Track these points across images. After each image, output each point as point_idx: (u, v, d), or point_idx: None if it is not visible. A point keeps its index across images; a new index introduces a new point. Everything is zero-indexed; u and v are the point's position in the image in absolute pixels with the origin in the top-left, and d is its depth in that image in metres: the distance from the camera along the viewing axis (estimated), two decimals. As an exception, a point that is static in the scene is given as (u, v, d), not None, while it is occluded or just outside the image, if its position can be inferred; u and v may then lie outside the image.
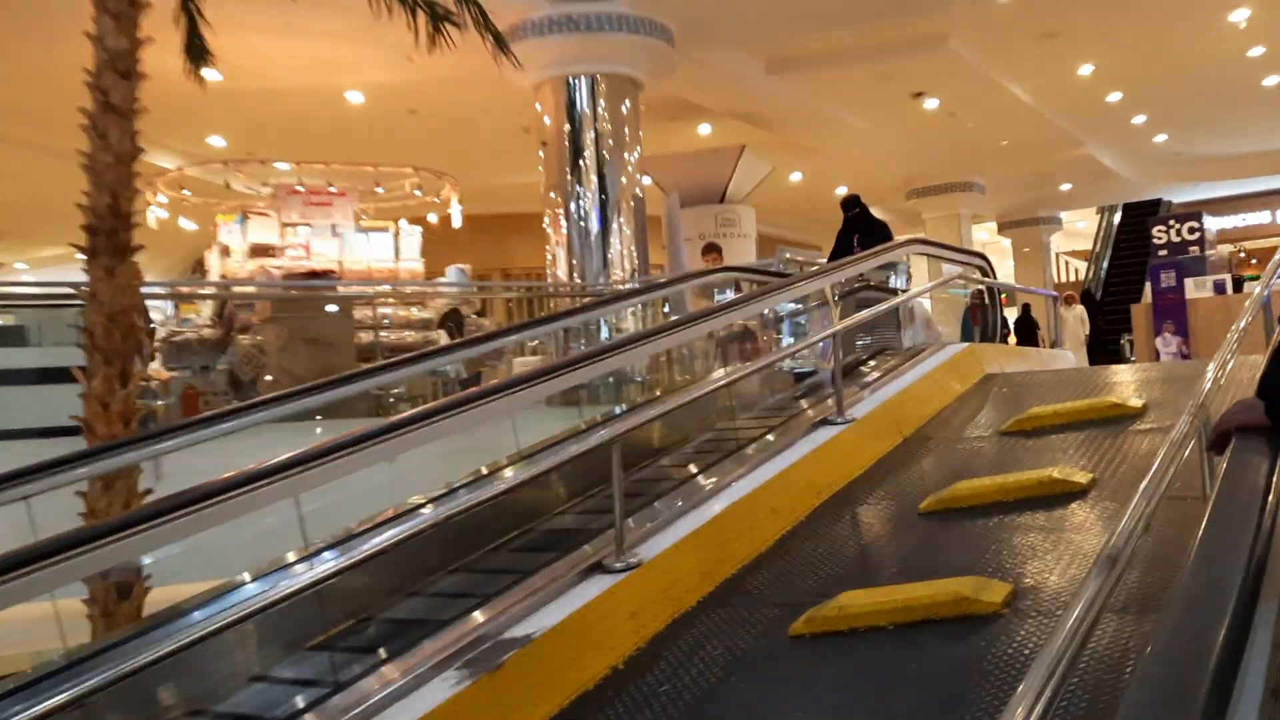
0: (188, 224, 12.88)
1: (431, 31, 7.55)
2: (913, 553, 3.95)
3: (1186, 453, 2.67)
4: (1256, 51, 14.00)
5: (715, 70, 12.70)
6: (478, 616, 3.36)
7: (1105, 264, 24.11)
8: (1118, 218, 24.69)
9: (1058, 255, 25.05)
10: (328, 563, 3.22)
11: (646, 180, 15.37)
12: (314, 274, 9.52)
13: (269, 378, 8.57)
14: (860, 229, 9.23)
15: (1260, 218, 23.70)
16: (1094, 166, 19.00)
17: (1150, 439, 4.58)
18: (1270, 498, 1.74)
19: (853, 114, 15.12)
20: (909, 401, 5.63)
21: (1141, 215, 23.98)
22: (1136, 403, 5.11)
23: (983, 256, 8.03)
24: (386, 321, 9.29)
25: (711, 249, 14.63)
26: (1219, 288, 14.47)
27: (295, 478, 3.22)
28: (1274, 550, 1.66)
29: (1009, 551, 3.68)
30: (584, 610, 3.35)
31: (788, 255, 8.70)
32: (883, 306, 6.56)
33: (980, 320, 8.03)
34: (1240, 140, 19.23)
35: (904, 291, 7.46)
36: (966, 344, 6.57)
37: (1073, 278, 25.74)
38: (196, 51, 7.17)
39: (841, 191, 20.56)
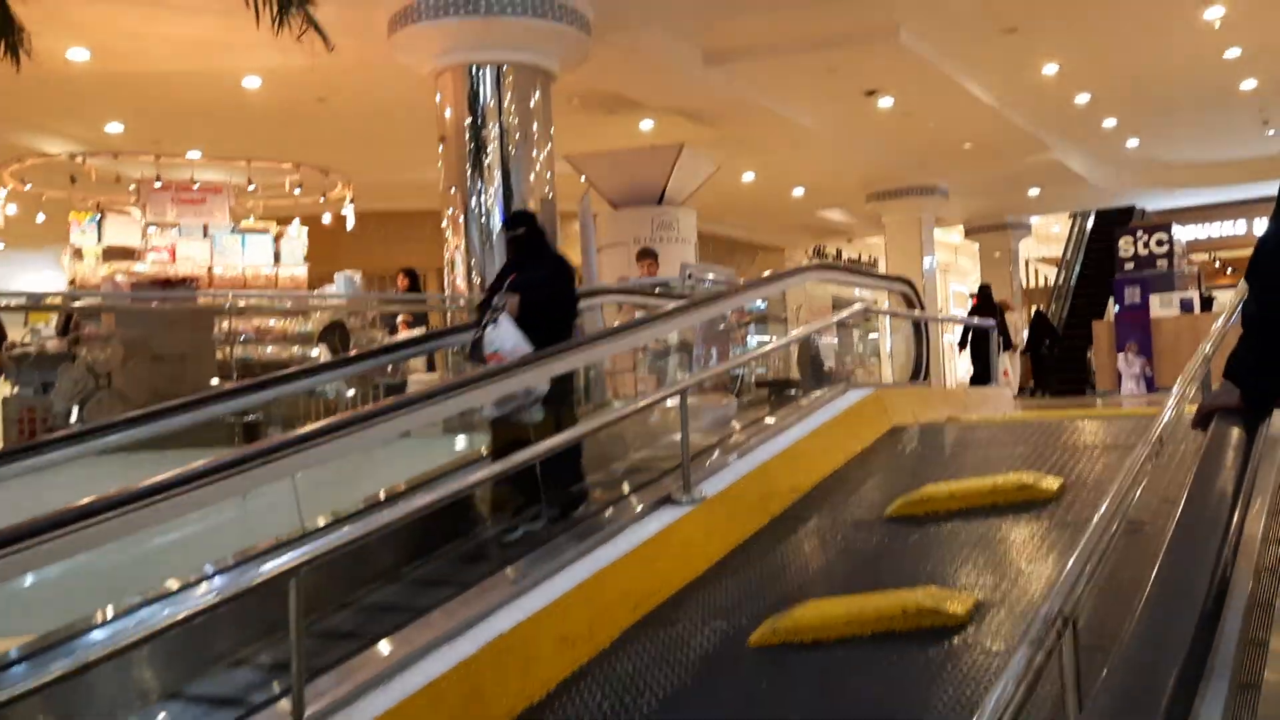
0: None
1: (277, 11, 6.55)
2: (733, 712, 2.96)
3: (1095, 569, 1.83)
4: (1233, 53, 13.07)
5: (648, 61, 11.67)
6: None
7: (1076, 271, 23.21)
8: (1090, 223, 23.79)
9: (1027, 261, 24.15)
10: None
11: (583, 179, 14.35)
12: (167, 282, 8.47)
13: (100, 400, 7.52)
14: (525, 257, 5.31)
15: (1237, 228, 22.83)
16: (1062, 171, 18.06)
17: (1057, 545, 3.60)
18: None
19: (802, 112, 14.11)
20: (787, 468, 4.64)
21: (1115, 222, 23.11)
22: (1052, 484, 4.12)
23: (907, 282, 7.05)
24: (243, 338, 8.23)
25: (646, 255, 13.62)
26: (1186, 306, 13.57)
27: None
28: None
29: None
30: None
31: (691, 273, 7.64)
32: (747, 356, 5.56)
33: (916, 354, 7.04)
34: (1216, 147, 18.33)
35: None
36: (872, 389, 5.58)
37: (1043, 284, 24.86)
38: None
39: (799, 193, 19.67)
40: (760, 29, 11.42)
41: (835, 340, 6.55)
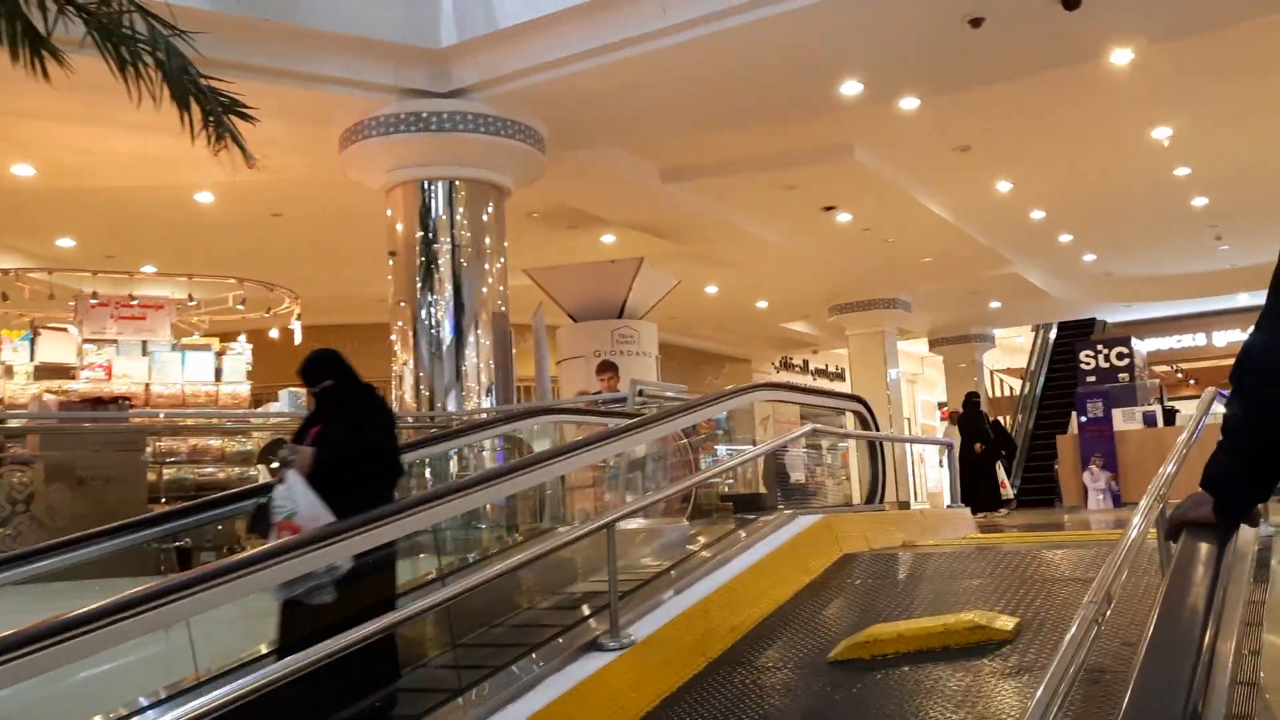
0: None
1: (214, 126, 6.42)
2: None
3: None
4: (1183, 171, 13.28)
5: (604, 177, 11.69)
6: None
7: (1040, 382, 23.25)
8: (1053, 334, 23.96)
9: (992, 373, 24.19)
10: None
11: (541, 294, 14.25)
12: (98, 401, 8.15)
13: (17, 527, 7.12)
14: (326, 412, 4.61)
15: (1197, 339, 23.05)
16: (1022, 285, 18.20)
17: (1012, 695, 3.31)
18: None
19: (762, 226, 14.17)
20: (728, 604, 4.33)
21: (1077, 334, 23.28)
22: (1006, 624, 3.85)
23: (860, 401, 6.85)
24: (178, 458, 7.89)
25: (607, 368, 13.45)
26: (1149, 419, 13.48)
27: None
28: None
29: None
30: None
31: (642, 390, 7.41)
32: (683, 486, 5.29)
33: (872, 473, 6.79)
34: (1172, 261, 18.58)
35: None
36: (821, 515, 5.33)
37: (1008, 394, 24.85)
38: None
39: (763, 306, 19.70)
40: (716, 147, 11.50)
41: (802, 455, 6.31)
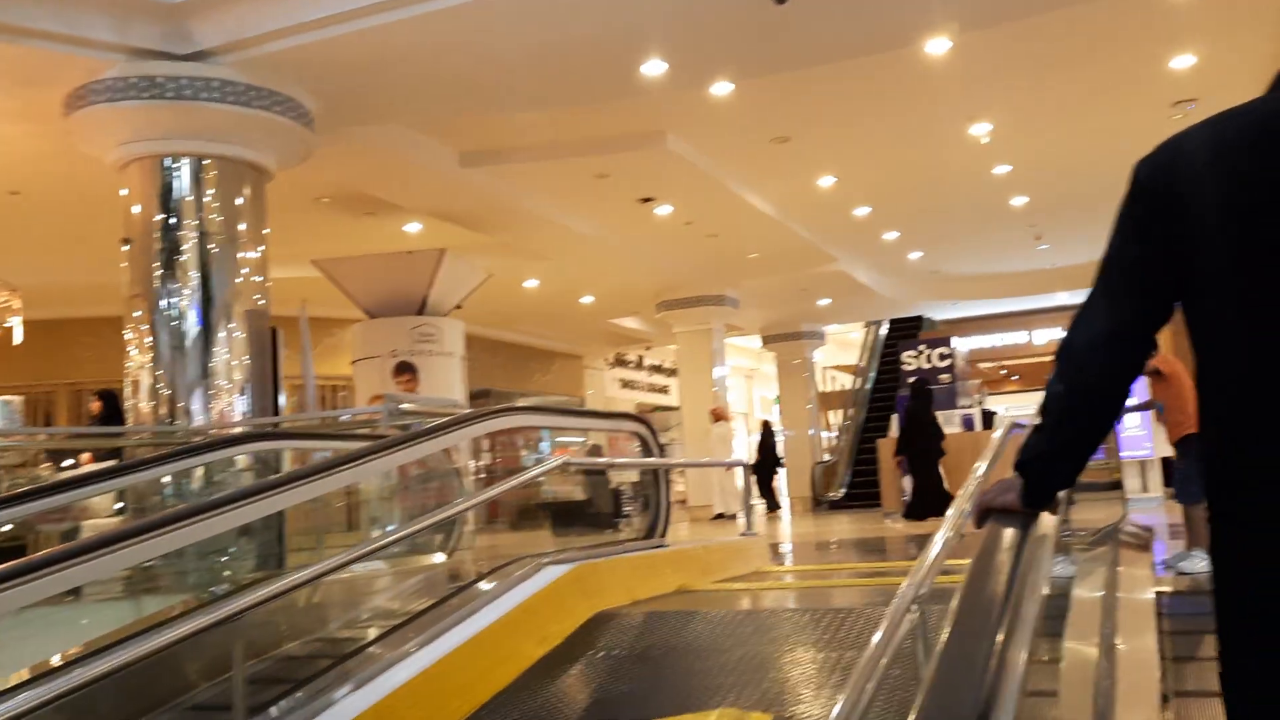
0: None
1: None
2: None
3: None
4: (1002, 169, 13.06)
5: (395, 159, 10.56)
6: None
7: (871, 378, 23.22)
8: (884, 330, 23.99)
9: (824, 370, 24.06)
10: None
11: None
12: None
13: None
14: None
15: (1019, 337, 23.43)
16: (849, 282, 17.91)
17: None
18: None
19: (576, 218, 13.29)
20: (422, 700, 3.39)
21: (906, 330, 23.34)
22: (758, 726, 3.05)
23: (641, 421, 6.02)
24: None
25: (405, 369, 12.34)
26: (968, 423, 13.25)
27: None
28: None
29: None
30: None
31: (401, 406, 6.35)
32: (418, 525, 4.33)
33: (652, 506, 5.94)
34: (995, 260, 18.63)
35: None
36: (572, 565, 4.46)
37: (839, 388, 24.83)
38: None
39: (588, 301, 18.85)
40: (517, 130, 10.54)
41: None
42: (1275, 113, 1.58)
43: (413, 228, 13.36)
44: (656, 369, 27.25)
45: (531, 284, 16.77)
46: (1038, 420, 1.83)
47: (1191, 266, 1.60)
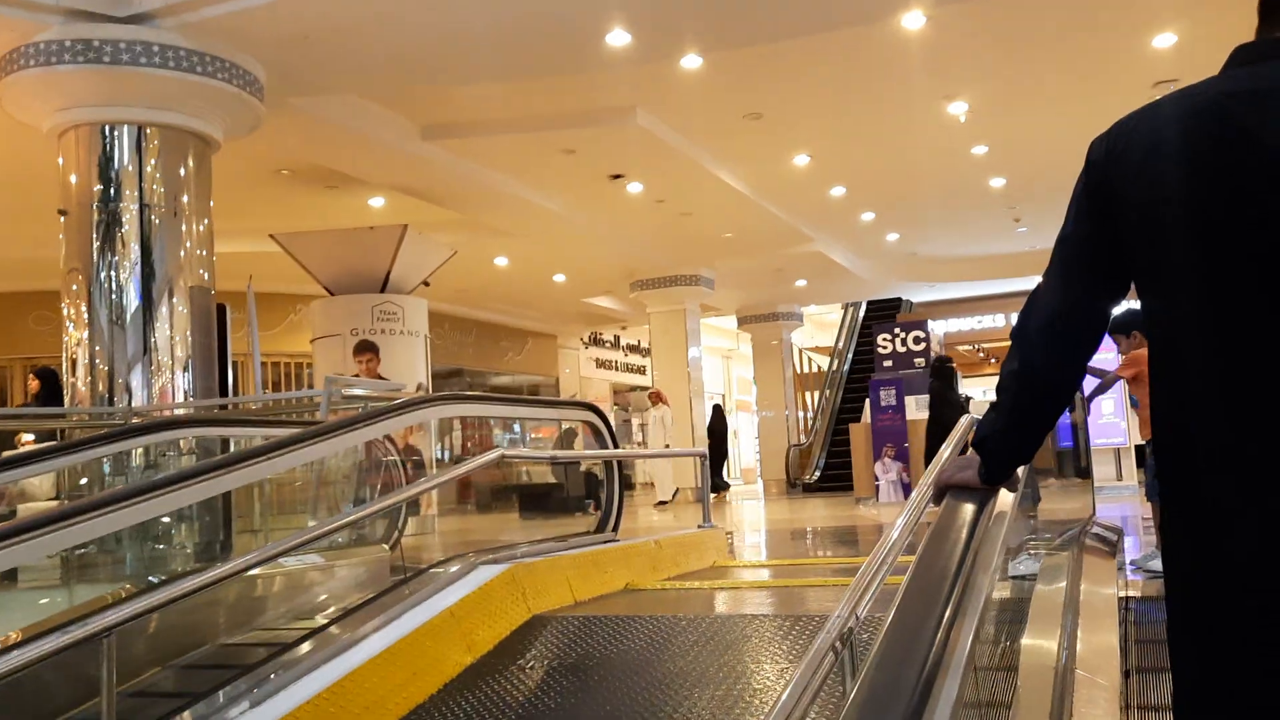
0: None
1: None
2: None
3: None
4: (980, 150, 12.80)
5: (354, 132, 10.19)
6: None
7: (849, 360, 23.00)
8: (862, 312, 23.76)
9: (801, 351, 23.83)
10: None
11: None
12: None
13: None
14: None
15: (996, 320, 23.22)
16: (826, 263, 17.64)
17: None
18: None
19: (545, 195, 12.95)
20: (341, 714, 3.11)
21: (885, 312, 23.10)
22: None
23: (591, 409, 5.73)
24: None
25: (365, 348, 12.00)
26: (941, 409, 13.02)
27: None
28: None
29: None
30: None
31: (341, 390, 6.01)
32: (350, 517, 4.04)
33: (604, 500, 5.65)
34: (973, 242, 18.39)
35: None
36: (508, 564, 4.18)
37: (816, 371, 24.60)
38: None
39: (560, 280, 18.51)
40: (481, 103, 10.20)
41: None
42: (1230, 93, 1.49)
43: (377, 202, 12.99)
44: (633, 348, 26.97)
45: (501, 262, 16.43)
46: (995, 398, 1.83)
47: (1141, 247, 1.58)
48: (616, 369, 26.52)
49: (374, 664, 3.37)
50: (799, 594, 4.64)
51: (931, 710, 1.26)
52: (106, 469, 6.99)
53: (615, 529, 5.50)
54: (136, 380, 7.78)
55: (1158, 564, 4.78)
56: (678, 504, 16.11)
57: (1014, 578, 3.22)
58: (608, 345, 26.05)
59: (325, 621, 3.67)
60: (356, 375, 12.08)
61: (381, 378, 12.18)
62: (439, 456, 15.51)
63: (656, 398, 17.01)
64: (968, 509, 1.88)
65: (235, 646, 3.93)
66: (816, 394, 23.17)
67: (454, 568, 4.11)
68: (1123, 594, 3.91)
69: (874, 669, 1.33)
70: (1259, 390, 1.44)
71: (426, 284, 14.22)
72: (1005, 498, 2.06)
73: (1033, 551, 3.62)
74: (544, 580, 4.32)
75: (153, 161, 7.90)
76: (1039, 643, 2.82)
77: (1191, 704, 1.52)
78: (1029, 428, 1.81)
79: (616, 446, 5.71)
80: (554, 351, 23.85)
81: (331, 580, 4.91)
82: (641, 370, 26.61)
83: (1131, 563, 4.89)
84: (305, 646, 3.50)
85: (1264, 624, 1.41)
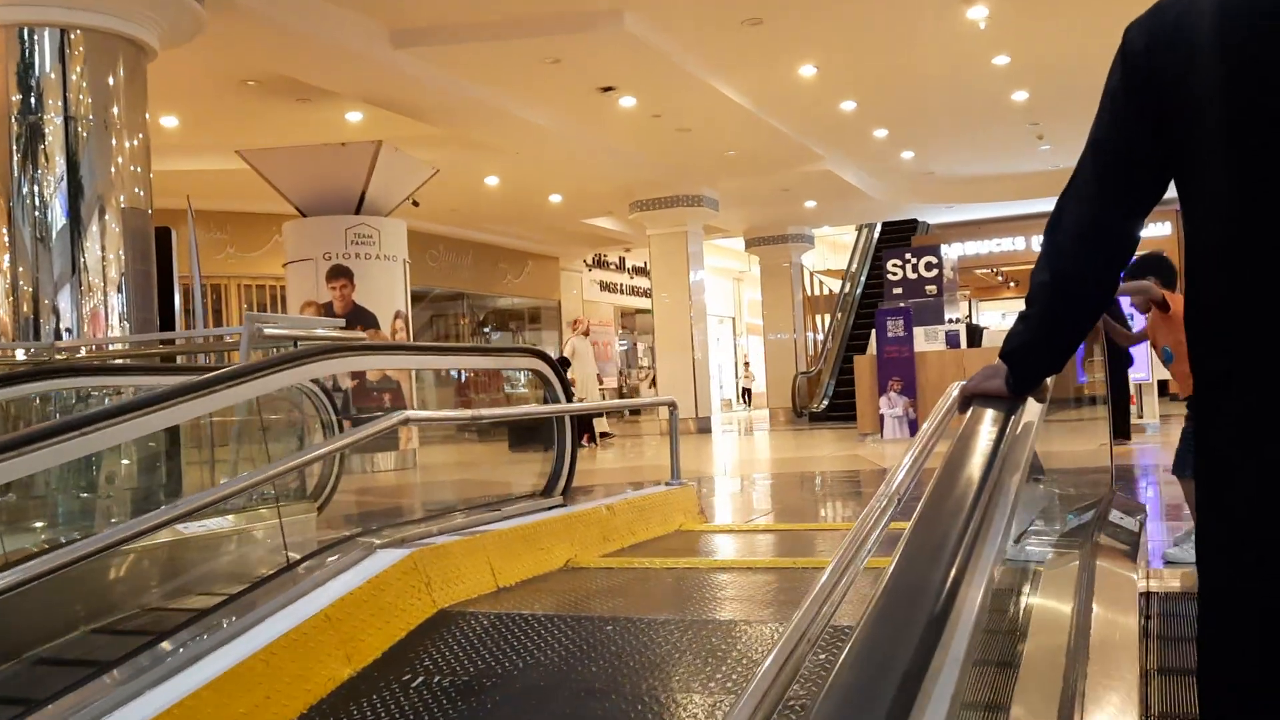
0: None
1: None
2: None
3: None
4: (1001, 60, 11.83)
5: (317, 38, 9.35)
6: None
7: (862, 283, 22.16)
8: (877, 232, 22.83)
9: (812, 274, 22.99)
10: None
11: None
12: None
13: None
14: None
15: (1016, 243, 22.25)
16: (837, 183, 16.73)
17: None
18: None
19: (531, 109, 12.09)
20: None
21: (900, 235, 22.18)
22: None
23: (539, 355, 5.04)
24: None
25: (339, 274, 11.37)
26: (952, 340, 12.29)
27: None
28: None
29: None
30: None
31: (264, 330, 5.32)
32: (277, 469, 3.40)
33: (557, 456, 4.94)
34: (992, 161, 17.41)
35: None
36: (411, 549, 3.55)
37: (827, 294, 23.77)
38: None
39: (556, 200, 17.66)
40: (453, 6, 9.32)
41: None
42: None
43: (354, 117, 12.17)
44: (640, 270, 26.16)
45: (492, 181, 15.61)
46: (1024, 309, 1.78)
47: (1183, 139, 1.50)
48: (621, 291, 25.76)
49: (214, 688, 2.74)
50: (777, 579, 3.99)
51: (958, 613, 1.16)
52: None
53: (565, 492, 4.86)
54: (65, 302, 7.14)
55: (1178, 553, 4.10)
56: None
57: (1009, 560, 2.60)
58: (612, 267, 25.26)
59: (160, 633, 3.03)
60: (328, 304, 11.43)
61: (356, 305, 11.53)
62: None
63: (577, 326, 15.84)
64: (996, 415, 1.81)
65: (47, 663, 3.31)
66: (827, 317, 22.39)
67: (336, 556, 3.47)
68: (1143, 619, 3.24)
69: (896, 573, 1.24)
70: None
71: (416, 204, 13.46)
72: (1033, 407, 1.97)
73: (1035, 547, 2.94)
74: (458, 565, 3.68)
75: (78, 69, 7.15)
76: None
77: (1208, 672, 1.48)
78: (1059, 340, 1.78)
79: (570, 399, 5.03)
80: (555, 274, 23.11)
81: (223, 554, 4.30)
82: (648, 294, 25.85)
83: (1161, 557, 4.21)
84: (143, 658, 2.88)
85: (1263, 575, 1.38)
